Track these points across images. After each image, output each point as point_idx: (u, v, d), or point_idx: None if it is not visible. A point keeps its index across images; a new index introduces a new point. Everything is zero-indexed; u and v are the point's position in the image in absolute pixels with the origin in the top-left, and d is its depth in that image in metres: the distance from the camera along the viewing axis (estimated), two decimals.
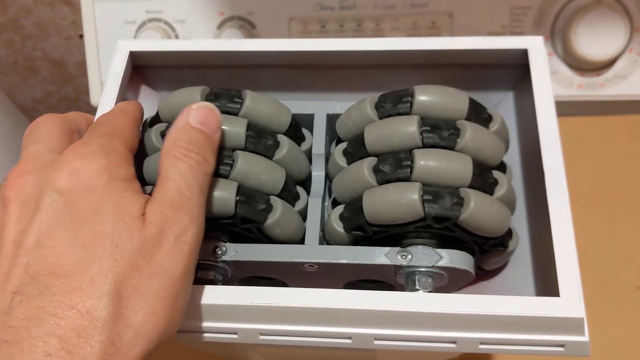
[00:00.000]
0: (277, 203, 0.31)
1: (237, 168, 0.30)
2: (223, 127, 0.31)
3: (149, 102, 0.39)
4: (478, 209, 0.28)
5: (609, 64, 0.56)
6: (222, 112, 0.32)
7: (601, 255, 0.50)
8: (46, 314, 0.23)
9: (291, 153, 0.33)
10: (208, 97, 0.32)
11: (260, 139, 0.32)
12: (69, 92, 0.82)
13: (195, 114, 0.29)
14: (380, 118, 0.32)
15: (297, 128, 0.35)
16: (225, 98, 0.32)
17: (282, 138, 0.33)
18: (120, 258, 0.24)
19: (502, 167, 0.32)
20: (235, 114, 0.32)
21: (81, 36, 0.71)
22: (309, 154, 0.35)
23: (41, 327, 0.22)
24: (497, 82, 0.37)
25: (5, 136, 0.70)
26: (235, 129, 0.31)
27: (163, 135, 0.32)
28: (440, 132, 0.30)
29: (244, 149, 0.31)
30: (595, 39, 0.54)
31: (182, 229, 0.26)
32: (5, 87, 0.80)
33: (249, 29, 0.58)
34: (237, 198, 0.29)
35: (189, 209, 0.26)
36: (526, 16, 0.57)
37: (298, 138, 0.34)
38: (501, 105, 0.38)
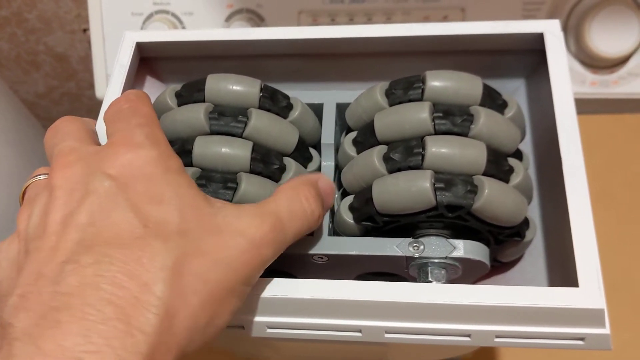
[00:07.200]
0: (291, 163, 0.31)
1: (252, 125, 0.30)
2: (236, 88, 0.32)
3: (157, 94, 0.38)
4: (492, 197, 0.27)
5: (623, 61, 0.54)
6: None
7: (613, 255, 0.49)
8: (103, 282, 0.22)
9: (304, 114, 0.33)
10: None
11: (274, 100, 0.32)
12: (71, 87, 0.81)
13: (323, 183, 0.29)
14: (391, 105, 0.31)
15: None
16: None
17: (294, 100, 0.33)
18: (188, 241, 0.24)
19: (518, 154, 0.31)
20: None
21: (85, 30, 0.71)
22: (318, 143, 0.34)
23: (96, 294, 0.21)
24: (511, 69, 0.36)
25: (9, 129, 0.69)
26: (249, 89, 0.31)
27: (178, 95, 0.33)
28: (452, 119, 0.29)
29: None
30: (609, 36, 0.53)
31: (264, 243, 0.25)
32: (8, 82, 0.79)
33: (258, 21, 0.58)
34: (252, 155, 0.29)
35: (276, 234, 0.26)
36: (539, 11, 0.55)
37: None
38: (515, 94, 0.37)
